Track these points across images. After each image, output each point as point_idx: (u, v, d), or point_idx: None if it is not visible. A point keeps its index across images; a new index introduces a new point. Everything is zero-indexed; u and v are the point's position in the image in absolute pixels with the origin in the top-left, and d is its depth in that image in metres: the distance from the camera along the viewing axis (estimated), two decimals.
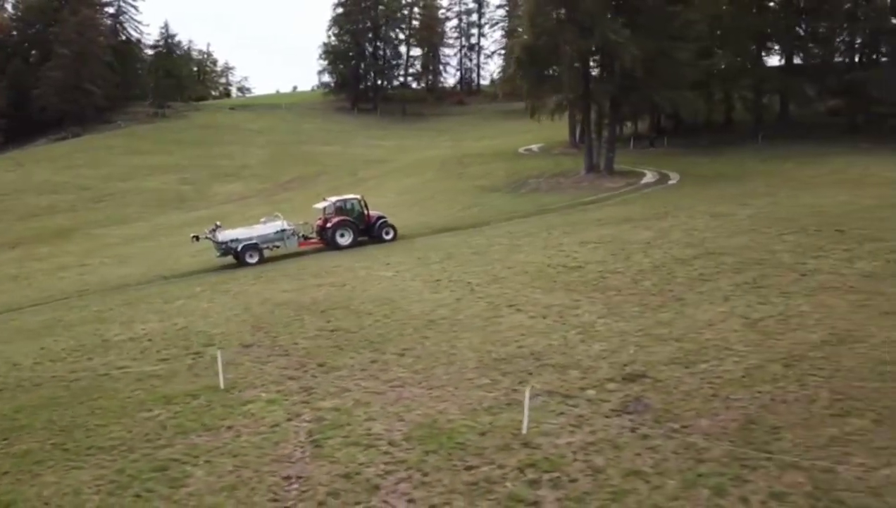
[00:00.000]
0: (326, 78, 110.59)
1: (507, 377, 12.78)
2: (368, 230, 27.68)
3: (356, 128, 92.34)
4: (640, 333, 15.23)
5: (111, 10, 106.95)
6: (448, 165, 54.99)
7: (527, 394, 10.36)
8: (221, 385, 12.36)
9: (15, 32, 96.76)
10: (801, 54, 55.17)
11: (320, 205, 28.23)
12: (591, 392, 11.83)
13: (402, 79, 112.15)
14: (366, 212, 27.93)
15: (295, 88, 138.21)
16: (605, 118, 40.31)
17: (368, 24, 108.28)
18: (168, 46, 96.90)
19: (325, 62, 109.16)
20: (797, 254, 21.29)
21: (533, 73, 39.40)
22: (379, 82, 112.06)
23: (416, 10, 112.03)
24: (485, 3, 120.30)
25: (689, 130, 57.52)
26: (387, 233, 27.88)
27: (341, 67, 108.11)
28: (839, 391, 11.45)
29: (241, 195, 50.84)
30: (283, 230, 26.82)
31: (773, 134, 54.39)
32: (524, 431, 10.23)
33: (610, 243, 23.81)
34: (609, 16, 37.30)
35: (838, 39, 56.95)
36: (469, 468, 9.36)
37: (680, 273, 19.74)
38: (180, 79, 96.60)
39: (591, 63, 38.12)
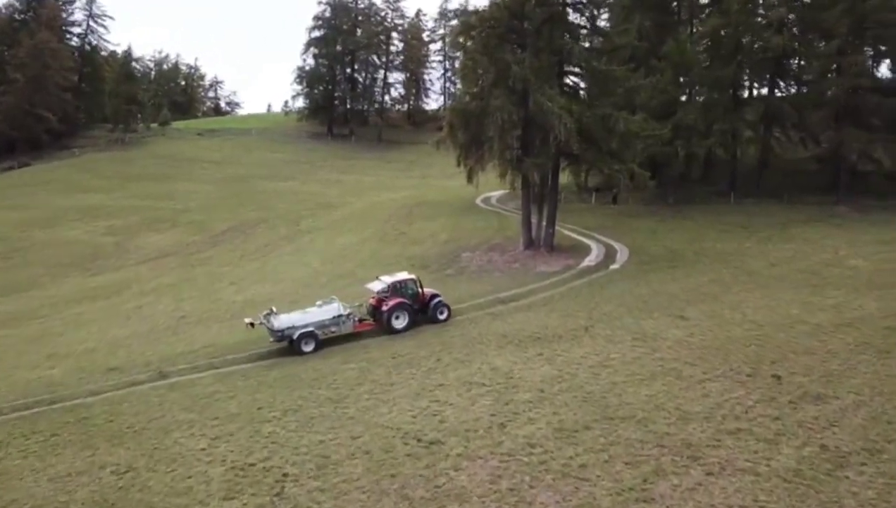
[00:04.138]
0: (301, 102, 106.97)
1: None
2: (423, 310, 26.08)
3: (325, 158, 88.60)
4: None
5: (79, 29, 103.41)
6: (395, 217, 51.04)
7: None
8: None
9: None
10: (775, 98, 51.12)
11: (374, 286, 26.41)
12: None
13: (379, 105, 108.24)
14: (420, 291, 26.24)
15: (269, 106, 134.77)
16: (545, 188, 36.21)
17: (346, 48, 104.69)
18: (129, 71, 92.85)
19: (300, 86, 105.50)
20: (713, 424, 17.18)
21: (465, 137, 35.40)
22: (356, 107, 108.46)
23: (394, 34, 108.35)
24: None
25: (659, 183, 53.39)
26: (441, 313, 26.33)
27: (316, 91, 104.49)
28: None
29: (161, 252, 46.80)
30: (339, 316, 25.22)
31: (749, 188, 50.40)
32: None
33: (497, 389, 19.67)
34: (548, 80, 33.22)
35: (813, 84, 53.04)
36: None
37: (556, 463, 15.59)
38: (142, 105, 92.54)
39: (527, 131, 34.02)
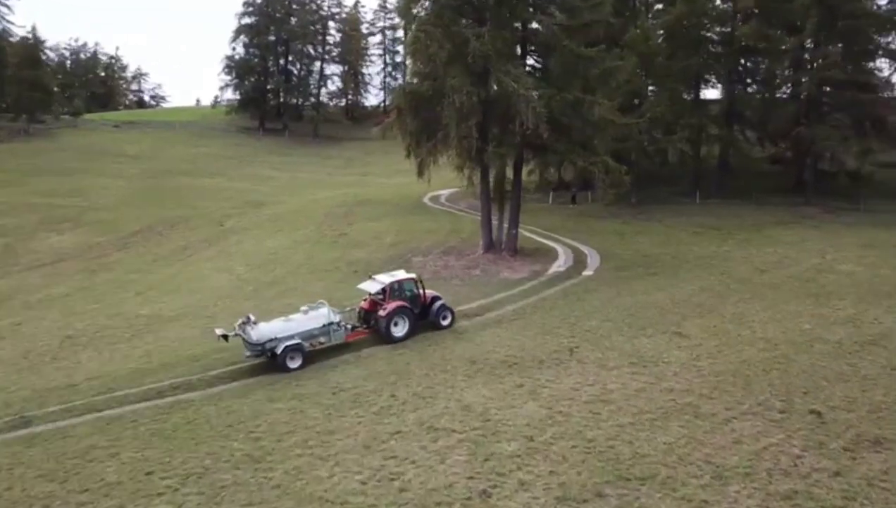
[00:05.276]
0: (230, 94, 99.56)
1: None
2: (423, 314, 22.48)
3: (255, 153, 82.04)
4: None
5: None
6: (334, 216, 45.79)
7: None
8: None
9: None
10: (740, 93, 48.45)
11: (368, 286, 22.60)
12: None
13: (315, 98, 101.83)
14: (421, 293, 22.65)
15: (198, 101, 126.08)
16: (503, 184, 31.89)
17: (279, 37, 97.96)
18: (34, 54, 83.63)
19: (229, 77, 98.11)
20: (759, 485, 13.13)
21: (416, 123, 30.66)
22: (290, 101, 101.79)
23: (331, 24, 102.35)
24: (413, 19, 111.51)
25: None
26: (444, 317, 22.78)
27: (247, 83, 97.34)
28: None
29: (58, 256, 40.08)
30: (330, 323, 21.20)
31: (711, 189, 47.63)
32: None
33: (473, 437, 15.06)
34: (511, 58, 28.90)
35: (778, 81, 50.96)
36: None
37: None
38: (48, 92, 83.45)
39: (487, 116, 29.56)
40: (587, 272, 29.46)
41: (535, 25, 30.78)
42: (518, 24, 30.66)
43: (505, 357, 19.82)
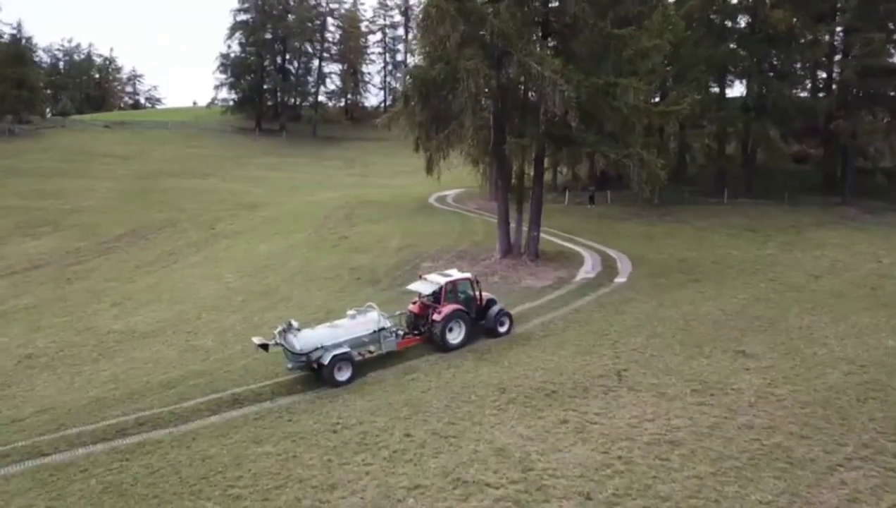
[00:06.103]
0: (225, 93, 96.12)
1: None
2: (479, 317, 20.17)
3: (252, 153, 78.68)
4: None
5: None
6: (333, 219, 42.43)
7: None
8: None
9: None
10: (765, 90, 45.04)
11: (420, 287, 20.27)
12: None
13: (314, 98, 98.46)
14: (477, 295, 20.31)
15: (195, 102, 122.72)
16: (521, 180, 28.59)
17: (276, 35, 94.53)
18: (20, 51, 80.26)
19: (224, 76, 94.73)
20: None
21: (425, 113, 27.37)
22: (287, 100, 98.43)
23: (330, 20, 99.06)
24: (413, 17, 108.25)
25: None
26: (501, 324, 20.35)
27: (243, 82, 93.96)
28: None
29: (32, 262, 36.68)
30: (382, 329, 18.76)
31: (736, 187, 44.37)
32: None
33: (513, 494, 11.76)
34: (532, 39, 25.64)
35: (802, 71, 47.80)
36: None
37: None
38: (35, 91, 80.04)
39: (506, 104, 26.31)
40: (620, 279, 26.13)
41: (556, 3, 27.49)
42: (538, 2, 27.38)
43: (540, 384, 16.49)
